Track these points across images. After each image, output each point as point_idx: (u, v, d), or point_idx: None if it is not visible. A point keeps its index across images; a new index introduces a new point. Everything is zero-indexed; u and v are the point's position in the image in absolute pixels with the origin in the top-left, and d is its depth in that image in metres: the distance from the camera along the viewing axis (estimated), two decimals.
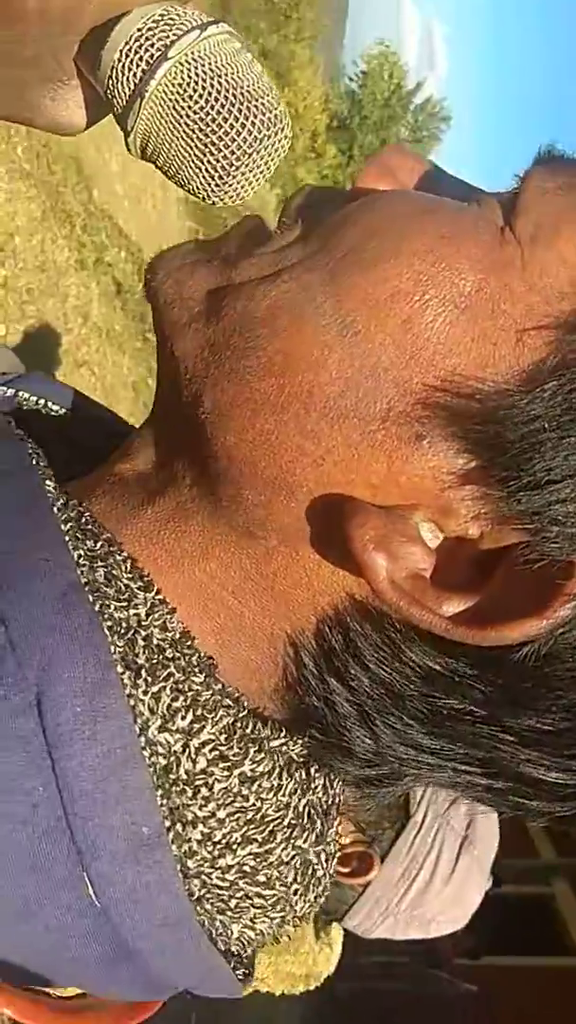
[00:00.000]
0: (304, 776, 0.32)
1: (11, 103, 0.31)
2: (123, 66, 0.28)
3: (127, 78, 0.28)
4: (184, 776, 0.29)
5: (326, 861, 0.34)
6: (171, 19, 0.28)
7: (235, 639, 0.31)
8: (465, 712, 0.29)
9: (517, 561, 0.27)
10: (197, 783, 0.29)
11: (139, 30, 0.28)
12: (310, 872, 0.33)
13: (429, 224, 0.29)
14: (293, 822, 0.32)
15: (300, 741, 0.32)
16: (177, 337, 0.32)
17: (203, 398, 0.30)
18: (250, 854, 0.31)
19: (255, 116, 0.28)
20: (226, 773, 0.30)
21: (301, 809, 0.32)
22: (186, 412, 0.31)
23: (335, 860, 0.35)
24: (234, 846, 0.30)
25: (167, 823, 0.29)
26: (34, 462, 0.34)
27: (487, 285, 0.28)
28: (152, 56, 0.28)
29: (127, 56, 0.28)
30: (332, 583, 0.30)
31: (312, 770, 0.33)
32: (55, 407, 0.42)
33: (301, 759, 0.33)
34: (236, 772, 0.30)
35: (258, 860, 0.31)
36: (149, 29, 0.28)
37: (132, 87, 0.28)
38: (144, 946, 0.28)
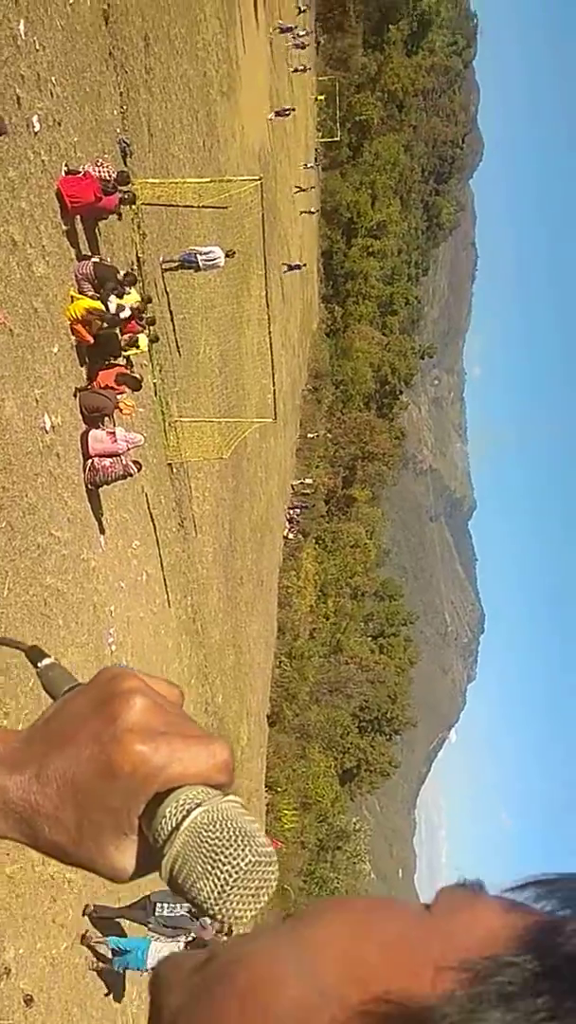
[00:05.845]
0: None
1: (84, 848, 0.44)
2: (171, 812, 0.45)
3: (173, 820, 0.45)
4: None
5: None
6: (206, 792, 0.46)
7: None
8: None
9: None
10: None
11: (186, 796, 0.45)
12: None
13: (364, 897, 0.40)
14: None
15: None
16: (167, 995, 0.41)
17: None
18: None
19: (251, 847, 0.44)
20: None
21: None
22: None
23: None
24: None
25: None
26: None
27: (410, 933, 0.37)
28: (191, 807, 0.45)
29: (176, 808, 0.45)
30: None
31: None
32: None
33: None
34: None
35: None
36: (193, 795, 0.45)
37: (174, 824, 0.45)
38: None
